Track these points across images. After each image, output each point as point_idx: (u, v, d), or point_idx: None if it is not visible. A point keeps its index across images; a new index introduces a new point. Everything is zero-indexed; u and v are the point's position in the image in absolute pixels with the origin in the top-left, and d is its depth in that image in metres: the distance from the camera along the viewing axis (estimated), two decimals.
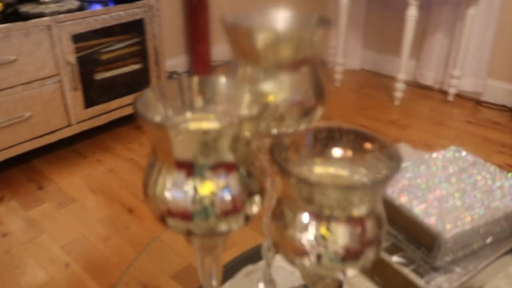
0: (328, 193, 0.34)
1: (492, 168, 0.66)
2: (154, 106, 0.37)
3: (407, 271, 0.55)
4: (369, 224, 0.37)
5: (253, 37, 0.40)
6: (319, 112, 0.45)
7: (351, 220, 0.36)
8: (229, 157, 0.34)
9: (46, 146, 1.74)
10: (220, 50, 2.77)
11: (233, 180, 0.36)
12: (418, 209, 0.57)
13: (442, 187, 0.61)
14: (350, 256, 0.37)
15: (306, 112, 0.44)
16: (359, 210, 0.36)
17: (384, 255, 0.58)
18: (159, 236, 0.81)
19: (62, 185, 1.64)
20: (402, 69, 2.12)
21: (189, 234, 0.37)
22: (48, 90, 1.66)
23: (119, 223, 1.45)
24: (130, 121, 2.17)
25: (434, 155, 0.69)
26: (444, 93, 2.32)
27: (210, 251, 0.43)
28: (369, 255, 0.38)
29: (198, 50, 2.54)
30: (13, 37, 1.52)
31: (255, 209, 0.38)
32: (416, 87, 2.43)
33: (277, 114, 0.42)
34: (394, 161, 0.37)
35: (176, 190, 0.35)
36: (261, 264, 0.62)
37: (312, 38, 0.41)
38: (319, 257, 0.37)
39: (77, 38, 1.70)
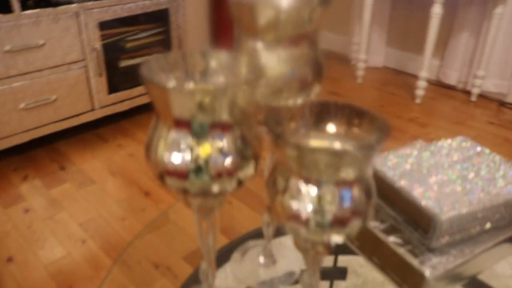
0: (317, 157, 0.36)
1: (498, 157, 0.67)
2: (158, 74, 0.40)
3: (402, 251, 0.57)
4: (357, 192, 0.38)
5: (255, 12, 0.42)
6: (317, 88, 0.47)
7: (339, 185, 0.38)
8: (225, 118, 0.37)
9: (69, 129, 1.80)
10: None
11: (228, 142, 0.38)
12: (416, 192, 0.58)
13: (443, 173, 0.62)
14: (337, 221, 0.39)
15: (303, 87, 0.45)
16: (347, 176, 0.37)
17: (382, 236, 0.59)
18: (166, 211, 0.84)
19: (83, 167, 1.69)
20: (425, 67, 2.10)
21: (185, 192, 0.40)
22: (73, 75, 1.71)
23: (136, 205, 1.50)
24: (151, 108, 2.19)
25: (440, 143, 0.70)
26: (467, 93, 2.29)
27: (207, 214, 0.45)
28: (356, 222, 0.39)
29: (221, 42, 2.57)
30: (42, 23, 1.58)
31: (249, 172, 0.40)
32: (439, 86, 2.40)
33: (275, 87, 0.44)
34: (383, 132, 0.38)
35: (174, 148, 0.38)
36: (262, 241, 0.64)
37: (311, 15, 0.43)
38: (308, 221, 0.39)
39: (103, 25, 1.75)
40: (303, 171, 0.38)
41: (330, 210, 0.38)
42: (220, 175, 0.39)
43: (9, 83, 1.56)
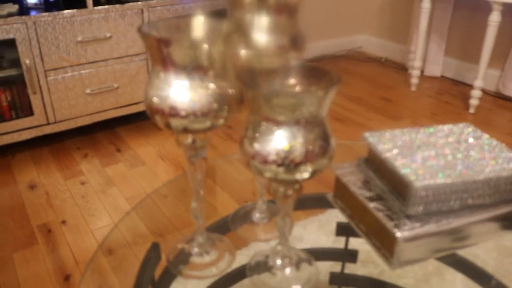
0: (278, 99, 0.43)
1: (496, 143, 0.69)
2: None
3: (381, 215, 0.61)
4: (315, 132, 0.45)
5: None
6: (294, 55, 0.53)
7: (299, 125, 0.45)
8: (205, 62, 0.45)
9: (128, 115, 1.96)
10: None
11: (207, 85, 0.46)
12: (399, 163, 0.62)
13: (433, 150, 0.66)
14: (301, 159, 0.45)
15: (282, 53, 0.52)
16: (305, 117, 0.44)
17: (366, 202, 0.64)
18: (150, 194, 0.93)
19: (137, 150, 1.84)
20: (480, 76, 2.05)
21: (167, 126, 0.48)
22: (135, 66, 1.88)
23: (179, 186, 1.61)
24: None
25: (442, 126, 0.73)
26: None
27: (196, 153, 0.53)
28: (317, 160, 0.46)
29: None
30: (110, 18, 1.76)
31: (224, 114, 0.48)
32: (497, 97, 2.33)
33: (257, 51, 0.52)
34: (332, 81, 0.44)
35: (163, 89, 0.46)
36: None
37: None
38: (276, 160, 0.46)
39: None
40: (269, 115, 0.45)
41: (295, 148, 0.45)
42: (205, 114, 0.47)
43: (79, 70, 1.75)
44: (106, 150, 1.85)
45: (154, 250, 0.66)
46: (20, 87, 1.69)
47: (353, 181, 0.69)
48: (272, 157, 0.46)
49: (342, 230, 0.82)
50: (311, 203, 0.94)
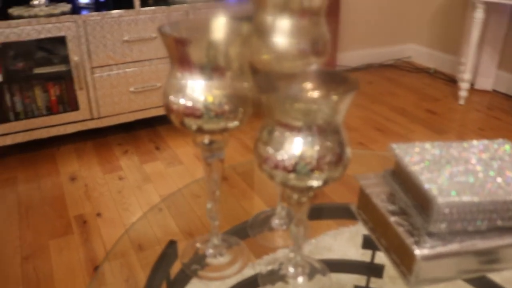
0: (291, 104, 0.42)
1: None
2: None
3: (401, 230, 0.59)
4: (329, 139, 0.44)
5: None
6: (316, 60, 0.52)
7: (315, 132, 0.44)
8: (222, 63, 0.45)
9: None
10: (346, 56, 2.83)
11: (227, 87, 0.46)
12: (424, 177, 0.59)
13: (463, 166, 0.62)
14: (315, 165, 0.44)
15: (302, 58, 0.51)
16: (319, 122, 0.43)
17: (387, 215, 0.62)
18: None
19: (175, 150, 1.88)
20: None
21: (182, 125, 0.49)
22: None
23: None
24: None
25: (475, 142, 0.69)
26: None
27: (212, 155, 0.53)
28: (331, 168, 0.45)
29: None
30: (157, 18, 1.80)
31: (241, 116, 0.48)
32: None
33: (277, 54, 0.51)
34: (350, 87, 0.43)
35: (179, 88, 0.47)
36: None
37: None
38: (289, 167, 0.45)
39: None
40: (282, 119, 0.44)
41: (306, 155, 0.44)
42: (219, 115, 0.47)
43: (124, 68, 1.81)
44: (146, 147, 1.90)
45: (171, 248, 0.67)
46: (68, 82, 1.76)
47: (377, 193, 0.67)
48: (283, 162, 0.45)
49: (369, 243, 0.79)
50: (343, 213, 0.92)
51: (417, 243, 0.57)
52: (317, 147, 0.44)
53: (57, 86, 1.76)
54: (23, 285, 1.18)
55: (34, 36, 1.62)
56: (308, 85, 0.47)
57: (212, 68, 0.46)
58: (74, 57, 1.70)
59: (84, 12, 1.69)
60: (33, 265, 1.25)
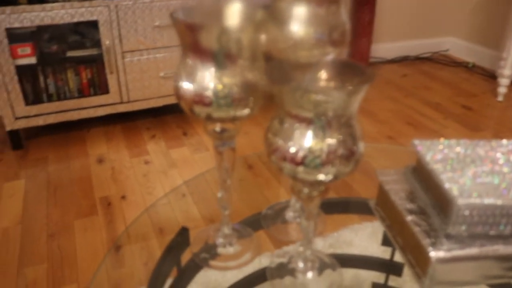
0: (301, 95, 0.41)
1: None
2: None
3: (417, 230, 0.56)
4: (340, 132, 0.42)
5: None
6: (333, 49, 0.50)
7: (326, 125, 0.42)
8: (233, 50, 0.44)
9: None
10: (381, 48, 2.76)
11: (233, 74, 0.45)
12: (446, 176, 0.57)
13: (489, 166, 0.59)
14: (326, 159, 0.43)
15: (320, 47, 0.49)
16: (330, 114, 0.41)
17: (404, 213, 0.59)
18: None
19: (203, 136, 1.88)
20: None
21: (192, 112, 0.48)
22: None
23: (237, 175, 1.62)
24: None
25: (504, 141, 0.66)
26: None
27: (222, 143, 0.52)
28: (341, 162, 0.43)
29: (358, 44, 2.57)
30: (188, 5, 1.80)
31: (251, 105, 0.47)
32: None
33: (292, 42, 0.49)
34: (365, 79, 0.41)
35: (189, 75, 0.46)
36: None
37: None
38: (300, 159, 0.43)
39: None
40: (292, 110, 0.43)
41: (321, 147, 0.42)
42: (228, 104, 0.46)
43: (154, 53, 1.82)
44: (173, 133, 1.91)
45: (182, 235, 0.67)
46: (99, 66, 1.79)
47: (396, 190, 0.64)
48: (291, 154, 0.43)
49: (389, 240, 0.77)
50: (367, 208, 0.90)
51: (434, 244, 0.54)
52: (327, 140, 0.42)
53: (89, 70, 1.79)
54: (47, 262, 1.22)
55: (67, 19, 1.65)
56: (322, 75, 0.45)
57: (223, 56, 0.44)
58: (106, 41, 1.72)
59: None
60: (58, 243, 1.28)
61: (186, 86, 0.46)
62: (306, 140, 0.42)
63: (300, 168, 0.44)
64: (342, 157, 0.43)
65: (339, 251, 1.22)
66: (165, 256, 0.64)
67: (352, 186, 1.09)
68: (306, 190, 0.49)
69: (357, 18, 2.53)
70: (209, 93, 0.45)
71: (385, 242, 0.77)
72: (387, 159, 1.19)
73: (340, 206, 1.03)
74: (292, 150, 0.43)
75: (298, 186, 0.49)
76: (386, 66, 2.71)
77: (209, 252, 0.60)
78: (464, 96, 2.29)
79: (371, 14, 2.49)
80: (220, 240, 0.60)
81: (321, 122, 0.42)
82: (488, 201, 0.53)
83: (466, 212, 0.53)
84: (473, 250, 0.53)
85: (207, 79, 0.45)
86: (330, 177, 0.44)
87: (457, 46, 2.86)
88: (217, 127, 0.52)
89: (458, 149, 0.63)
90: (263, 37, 0.46)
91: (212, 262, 0.59)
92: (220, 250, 0.60)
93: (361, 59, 2.59)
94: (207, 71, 0.45)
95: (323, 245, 1.18)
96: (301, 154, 0.43)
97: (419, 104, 2.20)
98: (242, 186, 1.60)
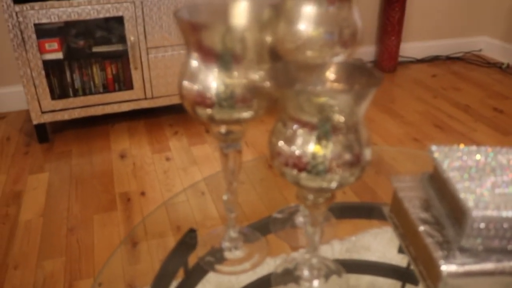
0: (303, 98, 0.39)
1: None
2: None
3: (430, 241, 0.54)
4: (350, 138, 0.40)
5: None
6: (343, 50, 0.48)
7: (333, 130, 0.40)
8: (238, 51, 0.43)
9: None
10: (411, 47, 2.69)
11: (236, 76, 0.44)
12: (462, 185, 0.54)
13: (509, 176, 0.56)
14: (332, 166, 0.41)
15: (329, 47, 0.47)
16: (340, 121, 0.40)
17: (417, 223, 0.57)
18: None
19: None
20: None
21: (195, 113, 0.47)
22: None
23: (257, 174, 1.61)
24: None
25: None
26: None
27: (227, 145, 0.51)
28: (346, 169, 0.41)
29: (386, 43, 2.52)
30: (213, 1, 1.79)
31: (255, 108, 0.45)
32: None
33: (300, 42, 0.47)
34: (373, 83, 0.39)
35: (192, 75, 0.45)
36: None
37: None
38: (297, 165, 0.42)
39: None
40: (294, 114, 0.41)
41: (325, 154, 0.41)
42: (231, 105, 0.44)
43: (178, 49, 1.82)
44: (196, 130, 1.91)
45: (190, 237, 0.66)
46: (124, 62, 1.81)
47: (410, 197, 0.61)
48: (294, 160, 0.42)
49: None
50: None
51: (446, 257, 0.51)
52: (331, 147, 0.41)
53: (114, 65, 1.81)
54: (66, 255, 1.24)
55: (93, 15, 1.67)
56: (327, 78, 0.44)
57: (227, 56, 0.43)
58: (131, 37, 1.73)
59: None
60: (77, 237, 1.30)
61: (189, 86, 0.45)
62: (308, 146, 0.41)
63: (303, 174, 0.42)
64: (346, 164, 0.41)
65: (356, 256, 1.19)
66: (171, 257, 0.63)
67: (375, 191, 1.06)
68: (311, 197, 0.47)
69: (386, 16, 2.47)
70: (211, 94, 0.44)
71: (402, 249, 0.74)
72: (414, 163, 1.15)
73: (361, 211, 1.00)
74: (295, 155, 0.42)
75: (303, 193, 0.48)
76: (416, 66, 2.64)
77: (215, 256, 0.59)
78: (495, 98, 2.21)
79: (400, 12, 2.43)
80: (226, 244, 0.59)
81: (325, 127, 0.40)
82: (506, 214, 0.50)
83: (482, 225, 0.50)
84: (488, 265, 0.50)
85: (210, 80, 0.44)
86: (334, 184, 0.42)
87: (491, 46, 2.76)
88: (222, 129, 0.50)
89: (477, 156, 0.60)
90: (269, 37, 0.44)
91: (217, 266, 0.58)
92: (226, 254, 0.59)
93: (390, 58, 2.54)
94: (210, 71, 0.44)
95: (340, 249, 1.15)
96: (303, 160, 0.41)
97: (448, 106, 2.14)
98: (262, 186, 1.58)
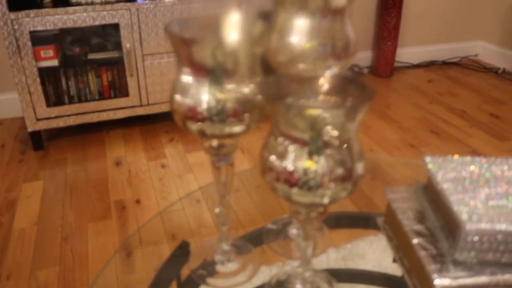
0: (292, 114, 0.39)
1: None
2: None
3: (423, 254, 0.53)
4: (338, 153, 0.40)
5: None
6: (336, 63, 0.48)
7: (319, 144, 0.40)
8: (229, 65, 0.42)
9: None
10: (407, 52, 2.70)
11: (227, 90, 0.43)
12: (455, 197, 0.53)
13: (504, 187, 0.55)
14: (323, 181, 0.40)
15: (322, 60, 0.47)
16: (331, 135, 0.39)
17: (411, 235, 0.56)
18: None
19: None
20: None
21: (186, 127, 0.46)
22: None
23: (252, 181, 1.60)
24: None
25: None
26: None
27: (219, 159, 0.50)
28: (337, 184, 0.41)
29: (383, 48, 2.52)
30: (209, 8, 1.79)
31: (247, 121, 0.45)
32: None
33: (293, 55, 0.47)
34: (365, 97, 0.39)
35: (183, 89, 0.44)
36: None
37: None
38: (296, 181, 0.41)
39: None
40: (285, 129, 0.41)
41: (317, 169, 0.40)
42: (222, 120, 0.44)
43: (174, 56, 1.82)
44: (192, 136, 1.91)
45: (182, 249, 0.65)
46: (120, 68, 1.80)
47: (404, 209, 0.61)
48: (285, 175, 0.41)
49: None
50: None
51: (439, 271, 0.51)
52: (322, 162, 0.40)
53: (110, 72, 1.81)
54: (60, 264, 1.23)
55: (89, 22, 1.67)
56: (320, 92, 0.43)
57: (218, 71, 0.43)
58: (126, 44, 1.73)
59: (139, 0, 1.71)
60: (71, 245, 1.29)
61: (180, 100, 0.45)
62: (301, 161, 0.40)
63: (295, 190, 0.41)
64: (338, 179, 0.41)
65: (351, 264, 1.19)
66: (163, 269, 0.62)
67: (375, 202, 1.06)
68: (303, 212, 0.47)
69: (382, 22, 2.48)
70: (202, 108, 0.43)
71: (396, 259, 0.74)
72: (410, 170, 1.15)
73: (359, 220, 1.00)
74: (286, 170, 0.41)
75: (296, 207, 0.47)
76: (412, 71, 2.65)
77: (207, 269, 0.58)
78: (492, 104, 2.21)
79: (397, 18, 2.44)
80: (218, 257, 0.59)
81: (317, 143, 0.40)
82: (499, 226, 0.49)
83: (475, 238, 0.50)
84: (482, 279, 0.50)
85: (201, 94, 0.43)
86: (326, 199, 0.42)
87: (487, 51, 2.77)
88: (214, 143, 0.50)
89: (472, 167, 0.60)
90: (261, 51, 0.44)
91: (209, 280, 0.57)
92: (218, 267, 0.58)
93: (386, 63, 2.54)
94: (201, 85, 0.43)
95: (336, 257, 1.15)
96: (294, 175, 0.41)
97: (444, 111, 2.14)
98: (258, 193, 1.58)
